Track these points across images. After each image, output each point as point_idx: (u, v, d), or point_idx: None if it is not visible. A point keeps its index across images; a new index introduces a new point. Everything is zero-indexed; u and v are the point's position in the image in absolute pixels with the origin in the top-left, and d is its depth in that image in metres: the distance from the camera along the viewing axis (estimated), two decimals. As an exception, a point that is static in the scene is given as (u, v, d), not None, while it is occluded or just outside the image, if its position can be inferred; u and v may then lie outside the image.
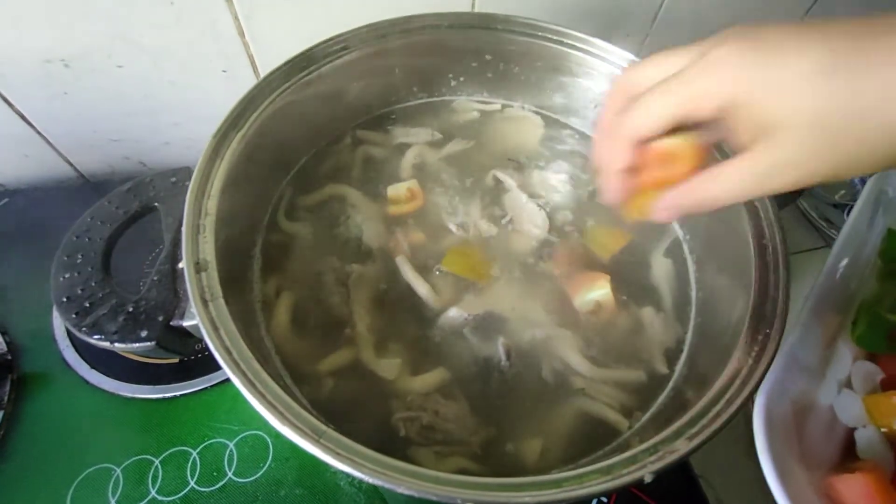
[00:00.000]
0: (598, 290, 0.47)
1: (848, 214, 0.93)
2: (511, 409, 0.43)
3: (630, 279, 0.50)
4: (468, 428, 0.41)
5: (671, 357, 0.46)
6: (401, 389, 0.42)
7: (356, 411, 0.41)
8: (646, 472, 0.30)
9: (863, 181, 1.01)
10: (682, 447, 0.31)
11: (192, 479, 0.50)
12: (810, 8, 0.77)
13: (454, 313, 0.46)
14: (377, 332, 0.45)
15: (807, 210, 0.97)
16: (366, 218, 0.51)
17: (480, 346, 0.45)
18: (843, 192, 1.02)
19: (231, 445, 0.52)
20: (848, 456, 0.48)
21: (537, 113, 0.62)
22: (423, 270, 0.48)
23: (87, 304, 0.40)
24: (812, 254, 0.95)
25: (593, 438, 0.41)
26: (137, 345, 0.39)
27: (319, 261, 0.48)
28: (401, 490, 0.28)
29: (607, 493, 0.29)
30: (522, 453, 0.40)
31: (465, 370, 0.44)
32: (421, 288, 0.47)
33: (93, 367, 0.56)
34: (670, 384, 0.44)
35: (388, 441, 0.40)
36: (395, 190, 0.53)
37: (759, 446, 0.40)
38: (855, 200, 0.96)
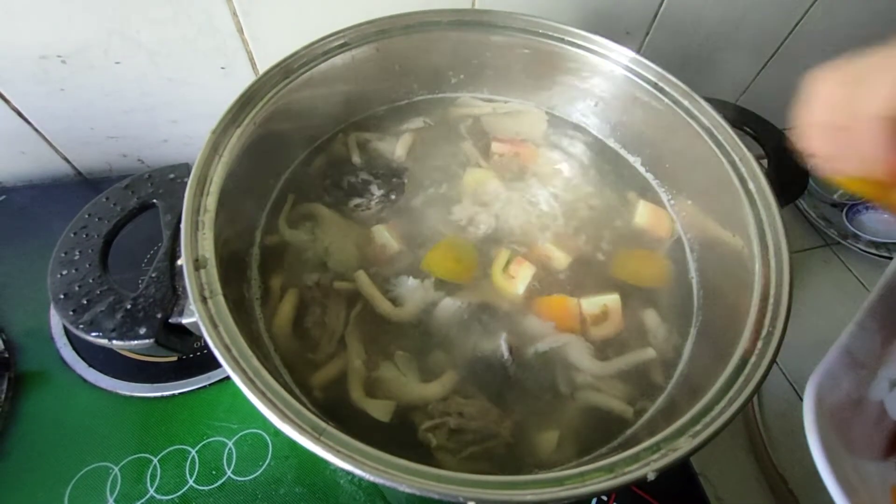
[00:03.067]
0: (608, 296, 0.47)
1: (846, 214, 0.94)
2: (517, 407, 0.42)
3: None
4: (495, 420, 0.41)
5: (674, 355, 0.46)
6: (418, 398, 0.42)
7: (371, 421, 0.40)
8: (649, 471, 0.30)
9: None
10: (684, 445, 0.31)
11: (190, 478, 0.50)
12: (810, 7, 0.77)
13: (448, 303, 0.46)
14: (370, 348, 0.44)
15: (805, 209, 0.97)
16: (356, 223, 0.51)
17: (481, 340, 0.45)
18: (841, 191, 1.02)
19: (230, 444, 0.52)
20: (893, 449, 0.50)
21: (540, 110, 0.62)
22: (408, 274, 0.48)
23: (85, 302, 0.40)
24: (810, 253, 0.95)
25: (601, 431, 0.41)
26: (136, 342, 0.38)
27: (315, 266, 0.48)
28: (403, 488, 0.28)
29: (609, 492, 0.29)
30: (537, 447, 0.40)
31: (473, 366, 0.43)
32: (382, 304, 0.45)
33: (90, 365, 0.55)
34: (673, 381, 0.44)
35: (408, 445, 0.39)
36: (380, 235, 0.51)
37: (808, 428, 0.42)
38: (853, 200, 0.97)
